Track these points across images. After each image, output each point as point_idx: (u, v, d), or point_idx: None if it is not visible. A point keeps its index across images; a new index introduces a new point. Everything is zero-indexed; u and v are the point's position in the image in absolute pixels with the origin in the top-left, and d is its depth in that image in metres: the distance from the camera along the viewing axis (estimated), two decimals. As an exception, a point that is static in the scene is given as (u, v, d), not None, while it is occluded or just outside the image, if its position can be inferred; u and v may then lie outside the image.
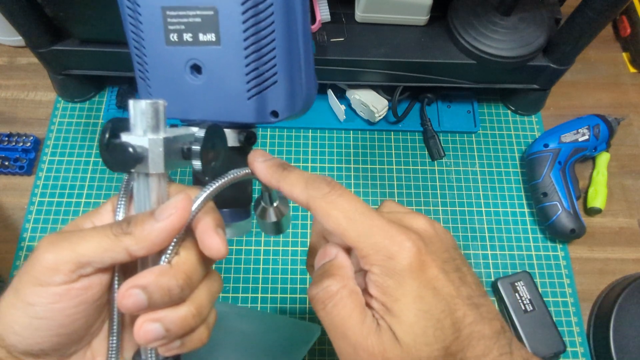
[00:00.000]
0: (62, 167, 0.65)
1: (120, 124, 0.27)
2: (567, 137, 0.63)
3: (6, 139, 0.65)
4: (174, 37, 0.30)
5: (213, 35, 0.30)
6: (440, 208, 0.65)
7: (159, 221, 0.25)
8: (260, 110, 0.31)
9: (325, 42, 0.61)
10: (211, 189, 0.28)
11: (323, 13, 0.62)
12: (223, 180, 0.28)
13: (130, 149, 0.25)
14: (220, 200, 0.29)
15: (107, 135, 0.26)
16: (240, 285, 0.59)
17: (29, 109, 0.70)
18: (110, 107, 0.69)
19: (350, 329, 0.26)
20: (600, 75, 0.76)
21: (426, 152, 0.69)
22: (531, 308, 0.57)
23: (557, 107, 0.73)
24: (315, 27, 0.61)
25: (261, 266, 0.60)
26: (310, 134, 0.69)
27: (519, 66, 0.62)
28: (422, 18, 0.63)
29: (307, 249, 0.34)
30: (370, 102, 0.67)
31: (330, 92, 0.68)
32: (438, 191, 0.66)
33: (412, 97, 0.70)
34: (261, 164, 0.30)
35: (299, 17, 0.30)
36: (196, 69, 0.31)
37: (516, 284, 0.58)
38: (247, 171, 0.30)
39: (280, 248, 0.62)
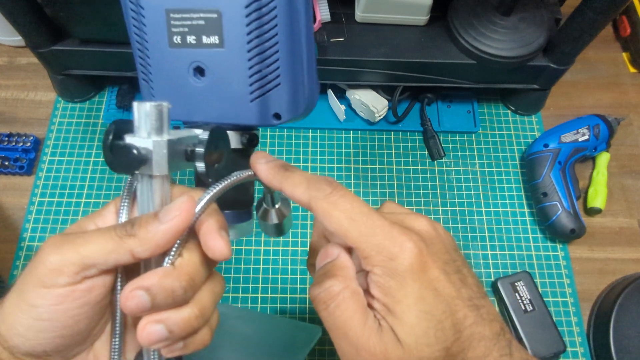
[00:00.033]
0: (62, 167, 0.65)
1: (124, 126, 0.27)
2: (567, 137, 0.63)
3: (6, 139, 0.65)
4: (177, 39, 0.30)
5: (216, 37, 0.30)
6: (440, 208, 0.65)
7: (163, 223, 0.26)
8: (263, 113, 0.31)
9: (325, 42, 0.61)
10: (214, 190, 0.28)
11: (323, 13, 0.62)
12: (226, 182, 0.28)
13: (135, 151, 0.25)
14: (222, 202, 0.29)
15: (110, 137, 0.26)
16: (241, 285, 0.59)
17: (29, 109, 0.70)
18: (110, 107, 0.69)
19: (352, 330, 0.26)
20: (600, 75, 0.76)
21: (426, 152, 0.69)
22: (531, 308, 0.57)
23: (557, 107, 0.73)
24: (315, 27, 0.61)
25: (261, 267, 0.61)
26: (310, 134, 0.69)
27: (519, 66, 0.62)
28: (422, 18, 0.63)
29: (307, 249, 0.34)
30: (370, 102, 0.67)
31: (330, 92, 0.68)
32: (438, 191, 0.66)
33: (412, 97, 0.70)
34: (263, 166, 0.30)
35: (302, 19, 0.30)
36: (199, 71, 0.31)
37: (516, 284, 0.59)
38: (249, 173, 0.30)
39: (281, 248, 0.62)
